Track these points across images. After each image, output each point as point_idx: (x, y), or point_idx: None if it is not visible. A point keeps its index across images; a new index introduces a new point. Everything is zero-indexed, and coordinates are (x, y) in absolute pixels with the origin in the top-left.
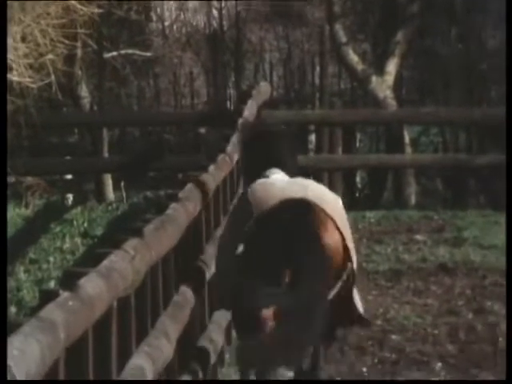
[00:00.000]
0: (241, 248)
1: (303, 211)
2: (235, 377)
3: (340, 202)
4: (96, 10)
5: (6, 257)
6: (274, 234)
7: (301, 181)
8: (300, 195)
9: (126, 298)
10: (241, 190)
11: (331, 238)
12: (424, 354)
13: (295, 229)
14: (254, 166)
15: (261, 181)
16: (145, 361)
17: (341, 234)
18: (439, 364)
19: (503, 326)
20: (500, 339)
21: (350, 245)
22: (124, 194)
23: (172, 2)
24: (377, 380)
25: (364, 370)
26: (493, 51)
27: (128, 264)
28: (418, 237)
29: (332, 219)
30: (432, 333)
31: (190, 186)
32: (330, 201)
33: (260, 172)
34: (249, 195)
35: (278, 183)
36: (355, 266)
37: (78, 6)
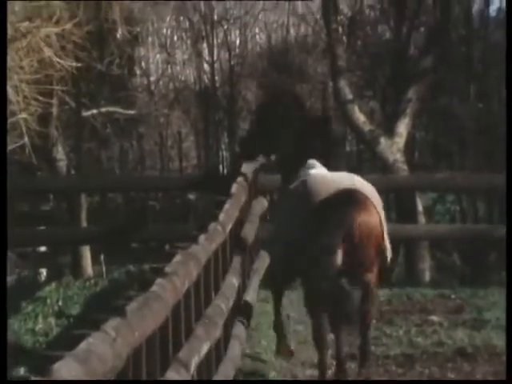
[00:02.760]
0: (297, 232)
1: (354, 198)
2: None
3: (375, 190)
4: (74, 64)
5: (5, 261)
6: (331, 219)
7: (344, 173)
8: (349, 185)
9: None
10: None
11: (374, 220)
12: None
13: (348, 213)
14: (288, 162)
15: (314, 174)
16: None
17: (380, 216)
18: None
19: None
20: None
21: (385, 226)
22: (104, 269)
23: (158, 55)
24: (377, 380)
25: None
26: None
27: (108, 347)
28: (433, 318)
29: (374, 204)
30: None
31: (177, 259)
32: (370, 189)
33: (296, 167)
34: (306, 187)
35: (329, 175)
36: (388, 243)
37: (55, 59)
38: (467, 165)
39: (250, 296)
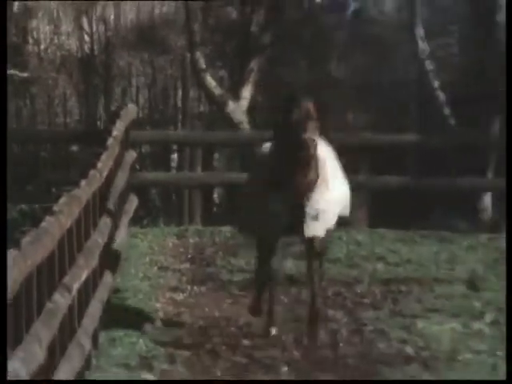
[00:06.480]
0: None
1: None
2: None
3: None
4: None
5: (5, 255)
6: None
7: None
8: None
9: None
10: None
11: None
12: (272, 358)
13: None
14: None
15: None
16: (20, 364)
17: None
18: (285, 368)
19: (343, 333)
20: (340, 344)
21: None
22: None
23: (47, 27)
24: (376, 380)
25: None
26: (337, 80)
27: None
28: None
29: None
30: (280, 339)
31: (63, 200)
32: None
33: None
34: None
35: None
36: None
37: None
38: None
39: (122, 232)
